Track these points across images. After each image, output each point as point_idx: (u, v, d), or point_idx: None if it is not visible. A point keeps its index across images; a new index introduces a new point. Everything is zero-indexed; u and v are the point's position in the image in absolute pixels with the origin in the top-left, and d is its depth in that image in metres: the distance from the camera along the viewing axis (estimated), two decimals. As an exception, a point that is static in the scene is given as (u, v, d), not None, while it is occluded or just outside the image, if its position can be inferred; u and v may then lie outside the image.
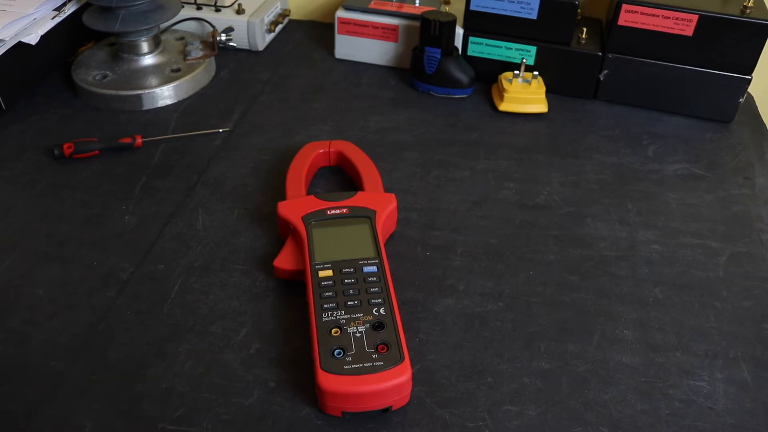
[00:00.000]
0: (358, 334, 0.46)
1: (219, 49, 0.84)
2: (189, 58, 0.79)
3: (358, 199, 0.57)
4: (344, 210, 0.56)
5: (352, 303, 0.48)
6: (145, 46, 0.78)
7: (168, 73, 0.78)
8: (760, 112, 0.78)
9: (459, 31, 0.78)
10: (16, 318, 0.52)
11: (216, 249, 0.58)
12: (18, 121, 0.73)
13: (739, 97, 0.73)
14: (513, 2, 0.75)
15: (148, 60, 0.78)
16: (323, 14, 0.98)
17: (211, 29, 0.84)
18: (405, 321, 0.51)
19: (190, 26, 0.86)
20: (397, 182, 0.66)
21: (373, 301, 0.48)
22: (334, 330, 0.46)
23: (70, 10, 0.79)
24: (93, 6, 0.76)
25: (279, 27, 0.92)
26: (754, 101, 0.79)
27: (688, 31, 0.71)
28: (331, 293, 0.49)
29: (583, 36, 0.76)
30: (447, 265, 0.57)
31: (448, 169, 0.68)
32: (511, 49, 0.77)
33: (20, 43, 0.72)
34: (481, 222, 0.61)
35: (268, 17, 0.87)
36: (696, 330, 0.52)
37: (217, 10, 0.86)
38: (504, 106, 0.76)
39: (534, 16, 0.75)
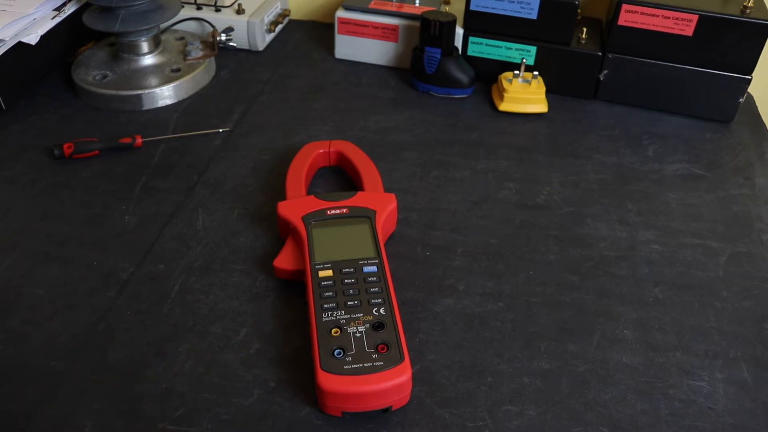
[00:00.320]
0: (358, 334, 0.46)
1: (219, 49, 0.84)
2: (189, 58, 0.79)
3: (358, 199, 0.57)
4: (344, 210, 0.56)
5: (352, 303, 0.48)
6: (145, 46, 0.78)
7: (168, 73, 0.78)
8: (760, 112, 0.78)
9: (459, 31, 0.78)
10: (16, 318, 0.52)
11: (216, 249, 0.58)
12: (18, 121, 0.73)
13: (739, 97, 0.73)
14: (513, 2, 0.75)
15: (148, 60, 0.78)
16: (323, 14, 0.98)
17: (211, 29, 0.84)
18: (405, 321, 0.51)
19: (190, 26, 0.86)
20: (397, 182, 0.66)
21: (373, 301, 0.48)
22: (334, 330, 0.46)
23: (70, 10, 0.79)
24: (93, 6, 0.76)
25: (279, 27, 0.92)
26: (754, 101, 0.79)
27: (688, 31, 0.71)
28: (331, 293, 0.49)
29: (583, 36, 0.76)
30: (447, 265, 0.57)
31: (448, 169, 0.68)
32: (511, 49, 0.77)
33: (20, 43, 0.72)
34: (481, 222, 0.61)
35: (268, 17, 0.87)
36: (696, 330, 0.52)
37: (217, 10, 0.86)
38: (504, 106, 0.76)
39: (534, 16, 0.75)
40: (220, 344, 0.50)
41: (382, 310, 0.48)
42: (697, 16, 0.69)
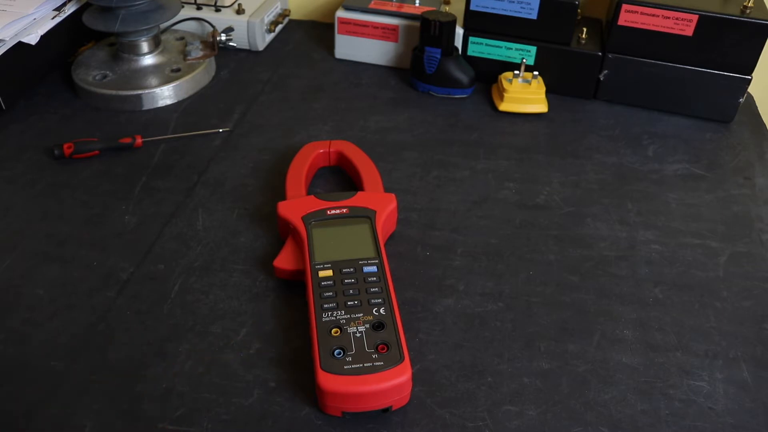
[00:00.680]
0: (358, 334, 0.46)
1: (219, 49, 0.84)
2: (189, 58, 0.79)
3: (358, 199, 0.57)
4: (344, 210, 0.56)
5: (352, 303, 0.48)
6: (145, 46, 0.78)
7: (168, 73, 0.78)
8: (760, 112, 0.78)
9: (459, 31, 0.78)
10: (16, 318, 0.52)
11: (216, 249, 0.58)
12: (18, 121, 0.73)
13: (739, 97, 0.73)
14: (513, 2, 0.75)
15: (148, 60, 0.78)
16: (323, 14, 0.98)
17: (211, 29, 0.84)
18: (405, 321, 0.51)
19: (190, 26, 0.86)
20: (397, 182, 0.66)
21: (373, 301, 0.48)
22: (334, 330, 0.46)
23: (70, 10, 0.79)
24: (93, 6, 0.76)
25: (279, 27, 0.92)
26: (754, 101, 0.79)
27: (688, 31, 0.71)
28: (331, 293, 0.49)
29: (583, 36, 0.76)
30: (447, 265, 0.57)
31: (448, 169, 0.68)
32: (511, 49, 0.77)
33: (20, 43, 0.72)
34: (481, 222, 0.61)
35: (268, 17, 0.87)
36: (696, 330, 0.52)
37: (217, 10, 0.86)
38: (504, 106, 0.76)
39: (534, 16, 0.75)
40: (220, 344, 0.50)
41: (382, 310, 0.48)
42: (697, 16, 0.69)
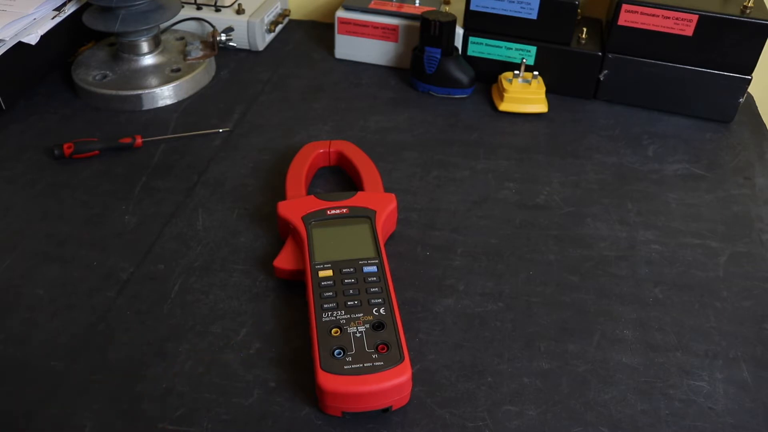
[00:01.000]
0: (358, 334, 0.46)
1: (219, 49, 0.84)
2: (189, 58, 0.79)
3: (358, 199, 0.57)
4: (344, 210, 0.56)
5: (352, 303, 0.48)
6: (145, 46, 0.78)
7: (168, 73, 0.78)
8: (760, 112, 0.78)
9: (459, 31, 0.78)
10: (16, 318, 0.52)
11: (216, 249, 0.58)
12: (18, 121, 0.73)
13: (739, 97, 0.73)
14: (513, 2, 0.75)
15: (148, 60, 0.78)
16: (323, 14, 0.98)
17: (211, 29, 0.84)
18: (405, 321, 0.51)
19: (190, 26, 0.86)
20: (397, 182, 0.66)
21: (373, 301, 0.48)
22: (334, 330, 0.46)
23: (70, 10, 0.79)
24: (93, 6, 0.76)
25: (279, 27, 0.92)
26: (754, 101, 0.79)
27: (688, 31, 0.71)
28: (331, 293, 0.49)
29: (583, 36, 0.76)
30: (447, 265, 0.57)
31: (448, 169, 0.68)
32: (511, 49, 0.77)
33: (20, 43, 0.72)
34: (481, 222, 0.61)
35: (268, 17, 0.87)
36: (696, 330, 0.52)
37: (217, 10, 0.86)
38: (504, 106, 0.76)
39: (534, 16, 0.75)
40: (220, 344, 0.50)
41: (382, 310, 0.48)
42: (697, 16, 0.69)
